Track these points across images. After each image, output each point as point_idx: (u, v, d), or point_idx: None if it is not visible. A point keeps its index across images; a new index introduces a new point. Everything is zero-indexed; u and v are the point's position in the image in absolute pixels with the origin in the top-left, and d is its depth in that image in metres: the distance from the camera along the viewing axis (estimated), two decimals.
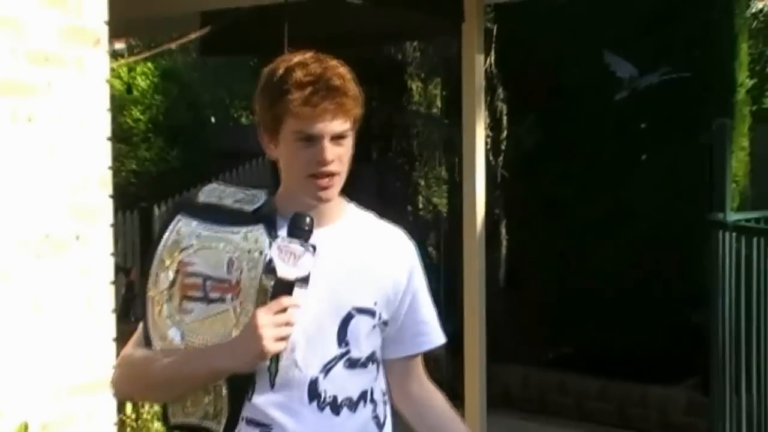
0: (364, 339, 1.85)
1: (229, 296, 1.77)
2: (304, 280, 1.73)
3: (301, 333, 1.76)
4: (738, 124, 6.60)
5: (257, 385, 1.78)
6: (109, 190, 3.32)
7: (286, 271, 1.72)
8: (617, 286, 6.57)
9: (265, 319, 1.69)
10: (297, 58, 1.81)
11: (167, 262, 1.80)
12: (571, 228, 6.81)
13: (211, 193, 1.87)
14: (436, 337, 2.00)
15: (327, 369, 1.81)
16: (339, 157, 1.80)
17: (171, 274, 1.79)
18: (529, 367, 6.93)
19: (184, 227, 1.82)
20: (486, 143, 6.21)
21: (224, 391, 1.78)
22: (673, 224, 6.45)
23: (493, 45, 7.06)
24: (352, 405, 1.84)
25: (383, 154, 8.24)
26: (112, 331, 3.30)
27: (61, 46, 3.16)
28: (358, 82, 1.84)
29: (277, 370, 1.78)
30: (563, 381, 6.72)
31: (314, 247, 1.73)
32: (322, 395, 1.81)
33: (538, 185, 6.98)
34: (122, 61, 5.48)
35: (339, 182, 1.83)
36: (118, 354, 3.30)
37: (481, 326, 5.28)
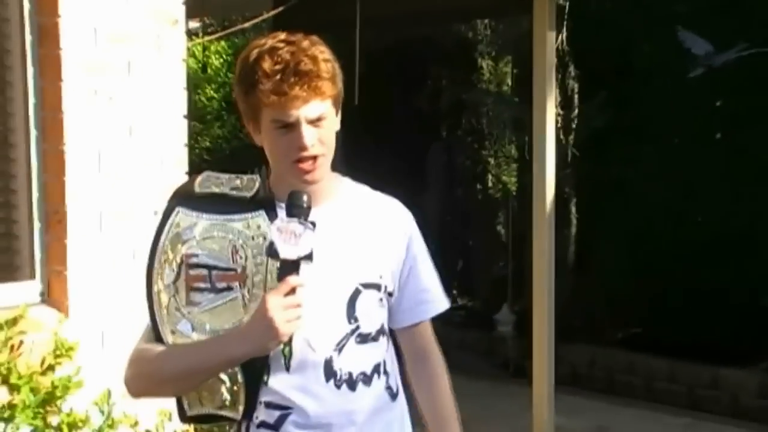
0: (373, 313, 1.87)
1: (236, 284, 1.77)
2: (308, 257, 1.71)
3: (311, 314, 1.75)
4: None
5: (273, 369, 1.79)
6: (185, 167, 3.40)
7: (288, 251, 1.70)
8: (687, 267, 6.50)
9: (275, 301, 1.68)
10: (269, 43, 1.78)
11: (170, 256, 1.79)
12: (641, 208, 6.75)
13: (206, 182, 1.85)
14: (438, 304, 2.00)
15: (340, 347, 1.82)
16: (319, 138, 1.78)
17: (175, 268, 1.78)
18: (596, 347, 6.90)
19: (183, 219, 1.81)
20: (557, 122, 6.16)
21: (240, 378, 1.78)
22: (746, 206, 6.34)
23: (565, 22, 6.99)
24: (367, 379, 1.85)
25: (453, 132, 8.24)
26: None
27: (140, 26, 3.24)
28: (335, 60, 1.82)
29: (291, 353, 1.79)
30: (631, 361, 6.67)
31: (314, 224, 1.72)
32: (338, 373, 1.82)
33: (609, 165, 6.92)
34: (197, 40, 5.56)
35: (324, 162, 1.81)
36: None
37: (550, 306, 5.26)
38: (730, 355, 6.31)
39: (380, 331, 1.89)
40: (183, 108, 3.39)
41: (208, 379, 1.77)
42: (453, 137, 8.24)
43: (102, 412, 2.64)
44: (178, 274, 1.78)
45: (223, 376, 1.77)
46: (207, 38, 5.61)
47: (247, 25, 5.35)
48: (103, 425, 2.62)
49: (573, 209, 7.42)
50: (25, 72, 3.07)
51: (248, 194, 1.81)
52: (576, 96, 7.35)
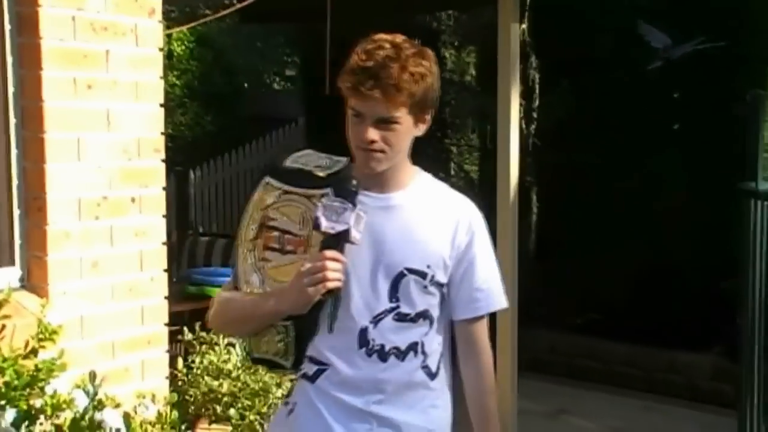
0: (415, 297, 2.02)
1: (300, 249, 2.01)
2: (345, 234, 1.92)
3: (356, 286, 1.98)
4: None
5: (320, 329, 2.00)
6: (162, 154, 3.46)
7: (327, 225, 1.92)
8: (646, 253, 6.67)
9: (304, 268, 1.93)
10: (377, 41, 1.98)
11: (254, 217, 2.04)
12: (601, 197, 6.90)
13: (299, 158, 2.08)
14: (490, 303, 2.13)
15: (377, 320, 2.00)
16: (384, 138, 1.97)
17: (256, 228, 2.03)
18: (557, 333, 7.05)
19: (269, 187, 2.05)
20: (518, 111, 6.28)
21: (292, 333, 2.01)
22: (703, 194, 6.52)
23: (527, 13, 7.10)
24: (400, 354, 2.02)
25: None
26: (164, 289, 3.45)
27: (118, 16, 3.28)
28: (431, 75, 2.00)
29: (335, 317, 1.99)
30: (591, 346, 6.83)
31: (354, 205, 1.93)
32: (370, 343, 2.00)
33: (569, 154, 7.06)
34: (177, 28, 5.60)
35: (385, 158, 1.99)
36: (169, 311, 3.49)
37: (513, 292, 5.37)
38: (686, 339, 6.49)
39: (421, 315, 2.04)
40: (160, 97, 3.44)
41: (261, 326, 2.03)
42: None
43: (87, 394, 2.69)
44: (258, 233, 2.03)
45: (280, 329, 2.02)
46: (186, 26, 5.65)
47: (222, 14, 5.39)
48: (89, 406, 2.67)
49: (534, 197, 7.56)
50: (4, 61, 3.09)
51: (323, 173, 2.02)
52: (537, 86, 7.49)
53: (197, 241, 6.39)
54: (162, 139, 3.47)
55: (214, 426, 3.89)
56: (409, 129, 2.01)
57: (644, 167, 6.71)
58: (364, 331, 2.00)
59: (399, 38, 2.01)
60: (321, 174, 2.03)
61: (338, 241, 1.93)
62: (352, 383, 2.01)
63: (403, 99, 1.95)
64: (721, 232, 6.43)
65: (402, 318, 2.02)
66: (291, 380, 3.38)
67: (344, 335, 2.01)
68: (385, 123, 1.96)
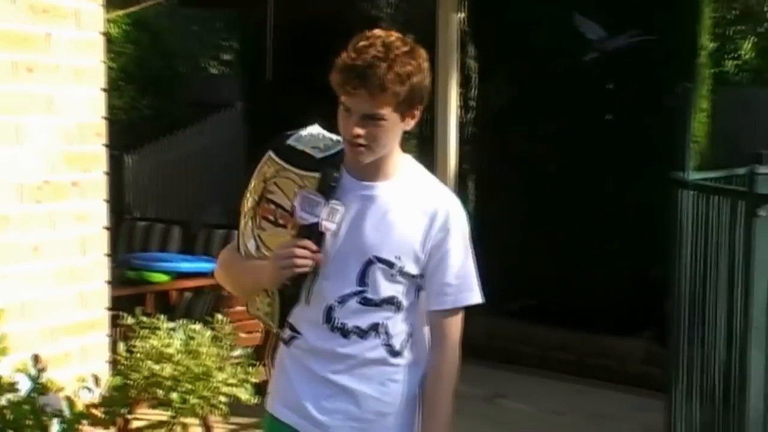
0: (381, 284, 2.14)
1: (290, 225, 2.14)
2: (314, 226, 2.07)
3: (331, 266, 2.12)
4: (699, 86, 6.82)
5: (301, 299, 2.17)
6: (104, 139, 3.45)
7: (300, 215, 2.08)
8: (580, 241, 6.81)
9: (277, 251, 2.10)
10: (369, 39, 2.06)
11: (256, 188, 2.19)
12: (537, 184, 7.02)
13: (300, 136, 2.19)
14: (459, 298, 2.22)
15: (342, 300, 2.14)
16: (369, 133, 2.06)
17: (256, 198, 2.19)
18: (493, 319, 7.15)
19: (271, 162, 2.18)
20: (457, 100, 6.36)
21: (278, 300, 2.20)
22: (633, 183, 6.68)
23: (465, 3, 7.18)
24: (362, 333, 2.16)
25: None
26: (105, 273, 3.45)
27: None
28: (420, 73, 2.08)
29: (311, 291, 2.15)
30: (526, 332, 6.96)
31: (328, 200, 2.08)
32: (334, 320, 2.15)
33: (506, 142, 7.16)
34: (120, 12, 5.55)
35: (369, 152, 2.09)
36: (110, 296, 3.50)
37: None
38: (617, 325, 6.66)
39: (386, 301, 2.16)
40: (102, 81, 3.43)
41: (251, 292, 2.25)
42: None
43: (29, 378, 2.69)
44: (258, 203, 2.19)
45: (269, 294, 2.21)
46: (129, 9, 5.61)
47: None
48: (32, 390, 2.68)
49: (471, 185, 7.66)
50: None
51: (319, 155, 2.15)
52: (475, 75, 7.57)
53: (134, 225, 6.36)
54: (104, 123, 3.47)
55: (150, 411, 3.91)
56: (395, 125, 2.09)
57: (579, 156, 6.84)
58: (330, 309, 2.14)
59: (392, 36, 2.08)
60: (316, 156, 2.14)
61: (311, 230, 2.08)
62: (316, 352, 2.17)
63: (388, 98, 2.03)
64: (651, 220, 6.61)
65: (366, 302, 2.14)
66: (231, 364, 3.44)
67: (315, 309, 2.15)
68: (370, 119, 2.05)
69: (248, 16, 8.46)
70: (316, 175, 2.12)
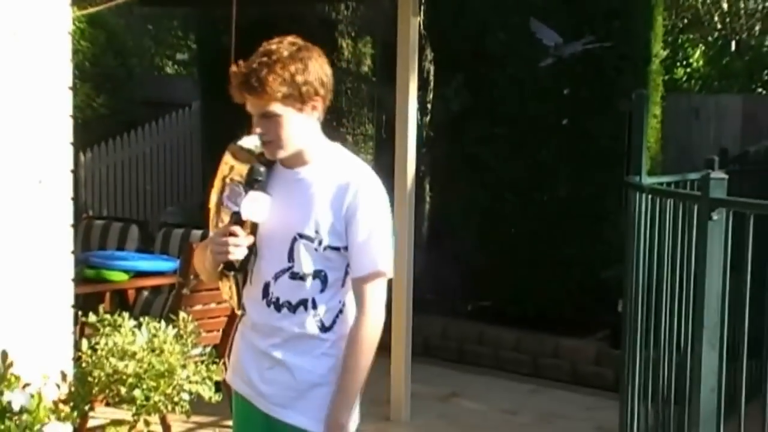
0: (306, 259, 2.35)
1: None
2: (237, 215, 2.31)
3: (266, 247, 2.37)
4: (651, 92, 6.97)
5: (248, 279, 2.42)
6: (70, 137, 3.45)
7: (227, 205, 2.36)
8: (534, 243, 6.92)
9: (211, 236, 2.39)
10: (264, 47, 2.32)
11: (216, 186, 2.43)
12: (492, 187, 7.11)
13: (250, 138, 2.39)
14: (367, 265, 2.34)
15: (276, 277, 2.37)
16: (269, 129, 2.31)
17: (218, 195, 2.43)
18: (448, 319, 7.24)
19: (228, 159, 2.42)
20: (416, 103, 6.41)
21: (234, 282, 2.44)
22: (587, 187, 6.81)
23: (422, 7, 7.25)
24: (291, 307, 2.37)
25: None
26: (70, 271, 3.45)
27: None
28: (305, 71, 2.29)
29: (252, 271, 2.40)
30: (481, 332, 7.05)
31: (247, 192, 2.32)
32: (270, 295, 2.38)
33: (462, 145, 7.25)
34: (85, 11, 5.53)
35: (276, 146, 2.33)
36: (75, 292, 3.50)
37: (409, 280, 5.51)
38: (570, 326, 6.78)
39: (313, 275, 2.36)
40: (68, 79, 3.44)
41: (213, 275, 2.46)
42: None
43: None
44: (220, 199, 2.42)
45: (231, 278, 2.44)
46: (93, 9, 5.59)
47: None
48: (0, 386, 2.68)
49: (427, 187, 7.74)
50: None
51: (257, 151, 2.37)
52: (432, 78, 7.65)
53: (92, 224, 6.32)
54: (70, 121, 3.47)
55: (107, 409, 3.91)
56: (292, 118, 2.31)
57: (533, 160, 6.95)
58: (267, 285, 2.38)
59: (279, 43, 2.31)
60: (256, 151, 2.38)
61: (240, 219, 2.32)
62: (257, 327, 2.41)
63: (274, 97, 2.27)
64: (604, 223, 6.75)
65: (294, 276, 2.35)
66: (195, 362, 3.46)
67: (256, 287, 2.40)
68: (266, 117, 2.30)
69: (203, 15, 8.46)
70: (245, 166, 2.37)
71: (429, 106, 7.64)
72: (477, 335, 7.07)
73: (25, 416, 2.69)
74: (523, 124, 6.92)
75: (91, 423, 3.79)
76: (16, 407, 2.70)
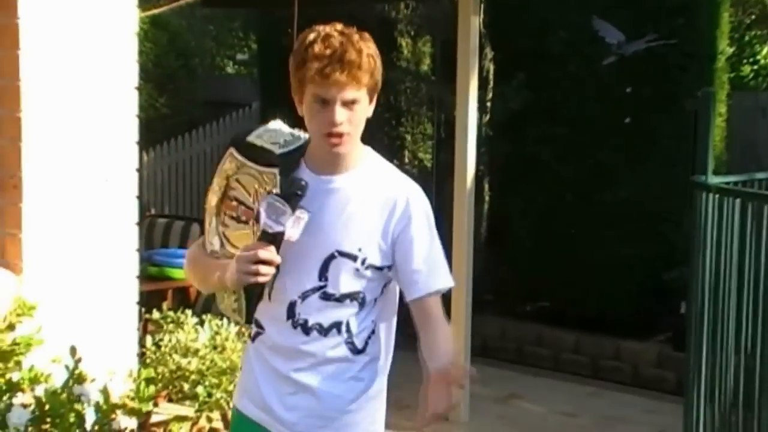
0: (343, 279, 2.13)
1: (251, 221, 2.14)
2: (279, 235, 2.05)
3: (292, 262, 2.11)
4: (717, 90, 6.85)
5: (264, 296, 2.16)
6: (136, 136, 3.50)
7: (266, 222, 2.06)
8: (594, 244, 6.85)
9: (239, 255, 2.07)
10: (326, 29, 2.08)
11: (220, 184, 2.20)
12: (552, 187, 7.05)
13: (261, 132, 2.19)
14: (430, 284, 2.17)
15: (304, 296, 2.14)
16: (349, 119, 2.07)
17: (219, 195, 2.19)
18: (507, 320, 7.20)
19: (233, 159, 2.18)
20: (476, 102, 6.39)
21: (243, 296, 2.17)
22: (650, 186, 6.72)
23: (482, 5, 7.22)
24: (323, 330, 2.15)
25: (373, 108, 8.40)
26: (135, 268, 3.50)
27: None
28: (378, 56, 2.12)
29: (273, 287, 2.14)
30: (540, 333, 7.00)
31: (293, 210, 2.06)
32: (296, 316, 2.15)
33: (522, 145, 7.20)
34: (150, 12, 5.62)
35: (350, 139, 2.10)
36: (139, 289, 3.55)
37: (468, 279, 5.50)
38: (631, 327, 6.69)
39: (348, 296, 2.13)
40: (134, 79, 3.49)
41: (216, 289, 2.23)
42: (372, 113, 8.40)
43: (66, 368, 2.75)
44: (221, 200, 2.20)
45: (236, 291, 2.18)
46: (157, 10, 5.67)
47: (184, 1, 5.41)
48: (69, 380, 2.73)
49: (486, 186, 7.70)
50: None
51: (279, 150, 2.14)
52: (492, 78, 7.61)
53: (155, 222, 6.41)
54: (136, 121, 3.53)
55: (170, 405, 3.97)
56: (366, 109, 2.12)
57: (595, 160, 6.88)
58: (292, 305, 2.14)
59: (339, 26, 2.10)
60: (276, 151, 2.14)
61: (275, 237, 2.05)
62: (278, 349, 2.18)
63: (366, 79, 2.07)
64: (667, 224, 6.66)
65: (327, 297, 2.14)
66: None
67: (278, 305, 2.16)
68: (350, 104, 2.06)
69: (264, 16, 8.52)
70: (275, 170, 2.12)
71: (488, 105, 7.59)
72: (536, 336, 7.02)
73: (93, 410, 2.74)
74: (584, 124, 6.85)
75: (154, 418, 3.83)
76: (85, 401, 2.74)
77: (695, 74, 6.63)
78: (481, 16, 7.20)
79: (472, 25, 5.50)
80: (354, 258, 2.12)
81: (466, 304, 5.50)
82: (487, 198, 7.72)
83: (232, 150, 2.19)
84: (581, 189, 6.95)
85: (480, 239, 7.41)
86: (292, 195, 2.07)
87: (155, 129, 9.41)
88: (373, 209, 2.14)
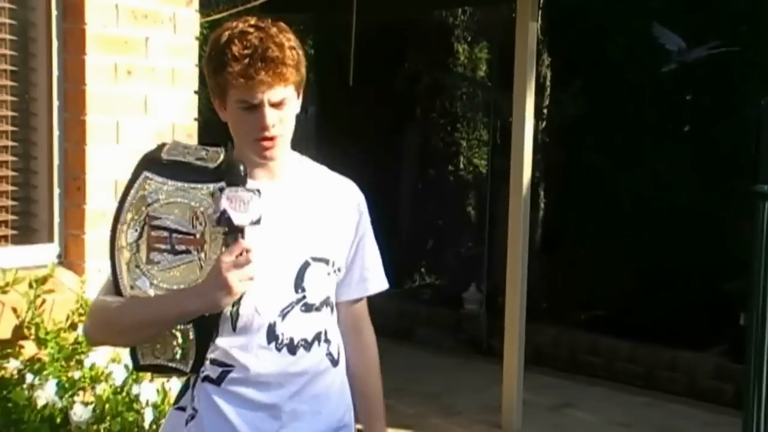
0: (320, 285, 1.98)
1: (194, 248, 1.86)
2: (257, 222, 1.83)
3: (259, 280, 1.85)
4: None
5: (221, 329, 1.90)
6: (195, 140, 3.55)
7: (240, 218, 1.82)
8: (651, 253, 6.78)
9: (228, 261, 1.80)
10: (239, 26, 1.89)
11: (135, 217, 1.88)
12: (608, 194, 7.00)
13: (173, 150, 1.92)
14: (379, 282, 2.13)
15: (284, 313, 1.93)
16: (280, 119, 1.89)
17: (138, 228, 1.87)
18: (560, 328, 7.16)
19: (150, 183, 1.89)
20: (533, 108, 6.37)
21: (191, 335, 1.88)
22: (709, 195, 6.63)
23: (539, 11, 7.19)
24: (307, 345, 1.96)
25: (427, 114, 8.43)
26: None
27: (158, 4, 3.38)
28: (300, 47, 1.94)
29: (238, 315, 1.90)
30: (594, 342, 6.94)
31: (259, 191, 1.84)
32: (280, 337, 1.93)
33: (578, 152, 7.16)
34: (213, 16, 5.70)
35: (283, 142, 1.92)
36: None
37: (522, 286, 5.48)
38: (688, 338, 6.60)
39: (324, 302, 2.00)
40: (194, 83, 3.54)
41: (161, 331, 1.88)
42: (426, 119, 8.43)
43: (126, 368, 2.79)
44: (141, 234, 1.87)
45: (176, 332, 1.88)
46: (217, 15, 5.75)
47: (252, 4, 5.47)
48: (128, 379, 2.78)
49: (542, 193, 7.67)
50: (49, 45, 3.20)
51: (213, 165, 1.87)
52: (548, 84, 7.58)
53: None
54: (195, 124, 3.58)
55: None
56: (295, 106, 1.95)
57: (652, 168, 6.82)
58: (272, 327, 1.92)
59: (252, 20, 1.92)
60: (210, 166, 1.88)
61: (242, 230, 1.83)
62: (260, 380, 1.94)
63: (291, 76, 1.89)
64: (726, 234, 6.56)
65: (309, 308, 1.97)
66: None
67: (250, 332, 1.92)
68: (279, 105, 1.89)
69: (320, 22, 8.58)
70: (222, 185, 1.85)
71: (545, 111, 7.57)
72: (590, 345, 6.96)
73: (151, 409, 2.78)
74: (642, 131, 6.79)
75: None
76: (143, 400, 2.79)
77: (757, 82, 6.52)
78: (539, 21, 7.19)
79: (530, 30, 5.48)
80: (327, 261, 1.99)
81: (520, 312, 5.48)
82: (542, 205, 7.69)
83: (147, 174, 1.89)
84: (638, 197, 6.89)
85: (535, 246, 7.38)
86: (240, 177, 1.84)
87: (212, 133, 9.52)
88: (336, 211, 2.04)
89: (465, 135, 8.40)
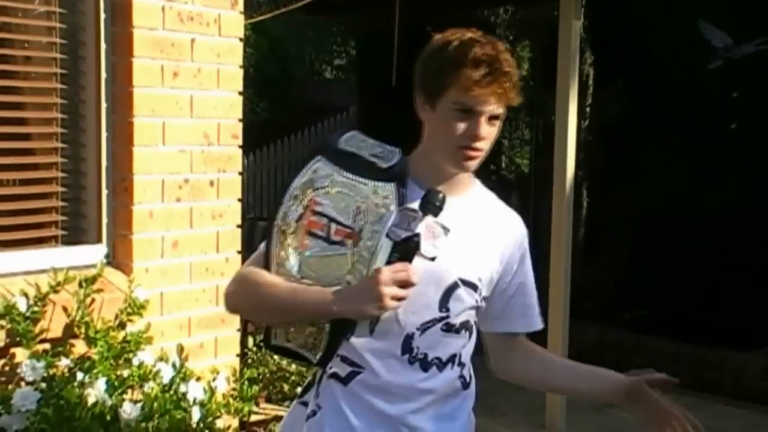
0: (463, 308, 1.93)
1: (349, 242, 1.84)
2: (415, 247, 1.80)
3: (413, 291, 1.82)
4: None
5: (357, 328, 1.87)
6: (239, 140, 3.58)
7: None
8: (696, 252, 6.71)
9: (389, 276, 1.76)
10: (469, 34, 1.87)
11: (299, 198, 1.88)
12: (653, 193, 6.94)
13: (350, 140, 1.92)
14: (537, 321, 2.11)
15: (424, 328, 1.90)
16: (489, 135, 1.86)
17: (300, 209, 1.87)
18: (604, 328, 7.11)
19: (321, 168, 1.88)
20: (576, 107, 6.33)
21: (327, 327, 1.87)
22: (756, 193, 6.55)
23: (583, 9, 7.15)
24: (441, 365, 1.93)
25: None
26: (237, 269, 3.57)
27: (203, 6, 3.41)
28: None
29: (378, 319, 1.85)
30: (638, 342, 6.88)
31: (448, 230, 1.82)
32: (414, 350, 1.89)
33: (622, 150, 7.11)
34: (257, 18, 5.76)
35: (482, 157, 1.89)
36: None
37: (566, 286, 5.45)
38: (734, 339, 6.53)
39: (464, 326, 1.96)
40: (239, 85, 3.57)
41: (298, 321, 1.88)
42: None
43: (174, 366, 2.83)
44: (301, 216, 1.87)
45: (315, 322, 1.87)
46: (263, 17, 5.81)
47: (299, 4, 5.51)
48: (175, 378, 2.81)
49: (585, 192, 7.62)
50: (98, 48, 3.24)
51: (385, 164, 1.88)
52: (591, 82, 7.53)
53: (255, 225, 6.52)
54: (239, 125, 3.60)
55: (270, 405, 4.03)
56: (499, 129, 1.90)
57: (697, 166, 6.75)
58: (409, 338, 1.89)
59: (477, 32, 1.90)
60: (382, 165, 1.88)
61: (408, 252, 1.80)
62: (387, 389, 1.90)
63: (514, 97, 1.86)
64: None
65: (449, 329, 1.93)
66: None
67: (387, 339, 1.89)
68: (494, 120, 1.86)
69: (363, 22, 8.61)
70: (390, 186, 1.86)
71: (587, 110, 7.52)
72: (634, 345, 6.90)
73: (198, 408, 2.81)
74: (687, 129, 6.73)
75: (254, 418, 3.90)
76: (191, 399, 2.82)
77: None
78: (582, 19, 7.15)
79: (573, 28, 5.44)
80: (475, 287, 1.94)
81: (563, 312, 5.45)
82: (585, 204, 7.64)
83: (320, 159, 1.89)
84: (683, 195, 6.83)
85: (578, 246, 7.33)
86: (436, 207, 1.82)
87: (255, 133, 9.60)
88: (492, 239, 1.97)
89: (507, 134, 8.38)
